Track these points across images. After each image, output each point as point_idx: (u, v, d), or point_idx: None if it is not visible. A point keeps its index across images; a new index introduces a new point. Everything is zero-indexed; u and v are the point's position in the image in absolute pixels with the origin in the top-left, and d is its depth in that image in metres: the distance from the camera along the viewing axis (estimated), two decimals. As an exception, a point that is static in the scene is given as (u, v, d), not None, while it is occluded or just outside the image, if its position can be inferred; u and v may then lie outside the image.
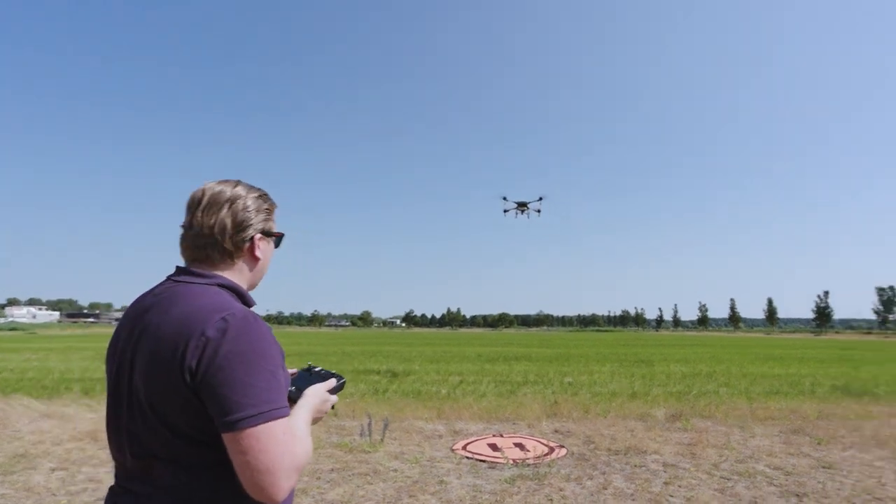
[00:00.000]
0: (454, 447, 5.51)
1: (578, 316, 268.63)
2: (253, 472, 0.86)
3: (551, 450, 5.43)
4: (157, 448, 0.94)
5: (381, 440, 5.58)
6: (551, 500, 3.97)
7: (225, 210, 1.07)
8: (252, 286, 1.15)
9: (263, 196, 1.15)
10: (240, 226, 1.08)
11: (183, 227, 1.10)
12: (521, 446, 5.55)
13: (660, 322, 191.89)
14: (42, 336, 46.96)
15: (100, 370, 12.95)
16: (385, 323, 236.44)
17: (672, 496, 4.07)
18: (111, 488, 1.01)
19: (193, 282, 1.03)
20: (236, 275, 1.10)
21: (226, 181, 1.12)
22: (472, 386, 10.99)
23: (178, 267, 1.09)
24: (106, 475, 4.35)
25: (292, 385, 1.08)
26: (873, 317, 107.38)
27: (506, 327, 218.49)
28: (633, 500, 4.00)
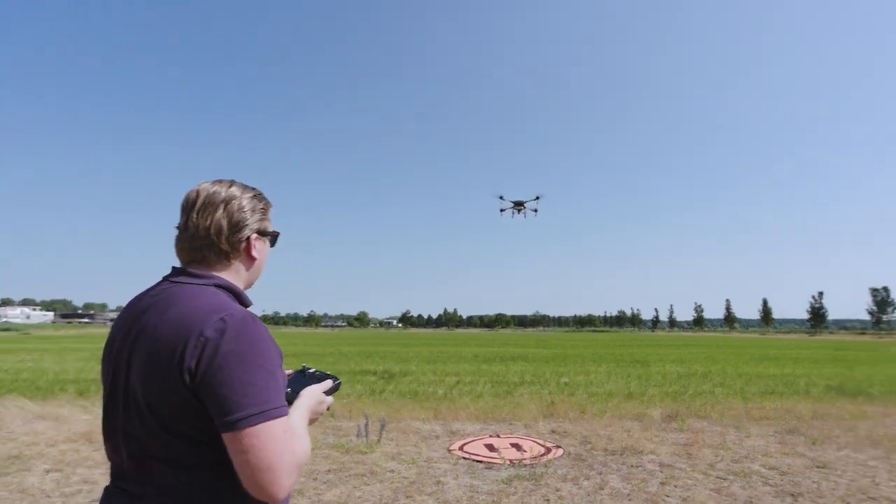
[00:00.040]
0: (451, 448, 5.51)
1: (575, 316, 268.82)
2: (254, 470, 0.86)
3: (548, 450, 5.43)
4: (155, 449, 0.93)
5: (378, 441, 5.57)
6: (548, 500, 3.98)
7: (220, 211, 1.07)
8: (248, 285, 1.15)
9: (258, 195, 1.15)
10: (236, 226, 1.08)
11: (178, 228, 1.10)
12: (517, 447, 5.55)
13: (656, 322, 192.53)
14: (36, 337, 46.65)
15: (94, 371, 12.88)
16: (381, 323, 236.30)
17: (668, 496, 4.08)
18: (106, 489, 1.01)
19: (190, 282, 1.03)
20: (233, 275, 1.10)
21: (220, 181, 1.12)
22: (469, 386, 10.99)
23: (174, 268, 1.09)
24: (101, 477, 4.33)
25: (288, 387, 1.08)
26: (867, 317, 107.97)
27: (502, 328, 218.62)
28: (630, 500, 4.01)
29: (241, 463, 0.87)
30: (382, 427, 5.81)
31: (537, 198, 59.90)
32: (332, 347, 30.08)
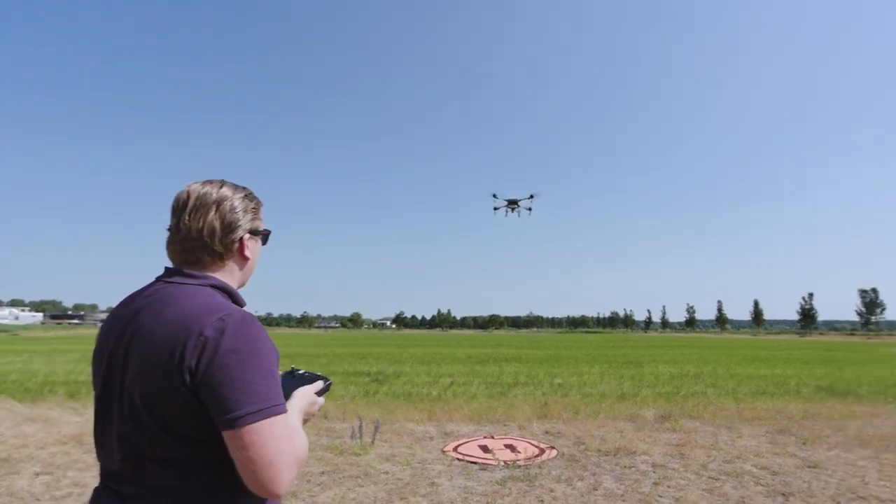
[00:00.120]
0: (445, 449, 5.50)
1: (568, 317, 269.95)
2: (256, 466, 0.87)
3: (542, 451, 5.44)
4: (151, 449, 0.93)
5: (372, 442, 5.56)
6: (542, 501, 3.99)
7: (213, 212, 1.06)
8: (242, 284, 1.16)
9: (249, 195, 1.15)
10: (228, 227, 1.08)
11: (169, 230, 1.09)
12: (511, 448, 5.56)
13: (648, 323, 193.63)
14: (25, 338, 46.04)
15: (85, 373, 12.74)
16: (375, 324, 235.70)
17: (661, 496, 4.10)
18: (96, 489, 1.01)
19: (185, 283, 1.03)
20: (227, 275, 1.10)
21: (210, 182, 1.11)
22: (463, 387, 10.99)
23: (167, 268, 1.08)
24: (92, 479, 4.28)
25: None
26: (856, 318, 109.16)
27: (496, 329, 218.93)
28: (623, 500, 4.03)
29: (243, 460, 0.88)
30: (376, 429, 5.80)
31: (531, 196, 59.56)
32: (325, 349, 29.96)
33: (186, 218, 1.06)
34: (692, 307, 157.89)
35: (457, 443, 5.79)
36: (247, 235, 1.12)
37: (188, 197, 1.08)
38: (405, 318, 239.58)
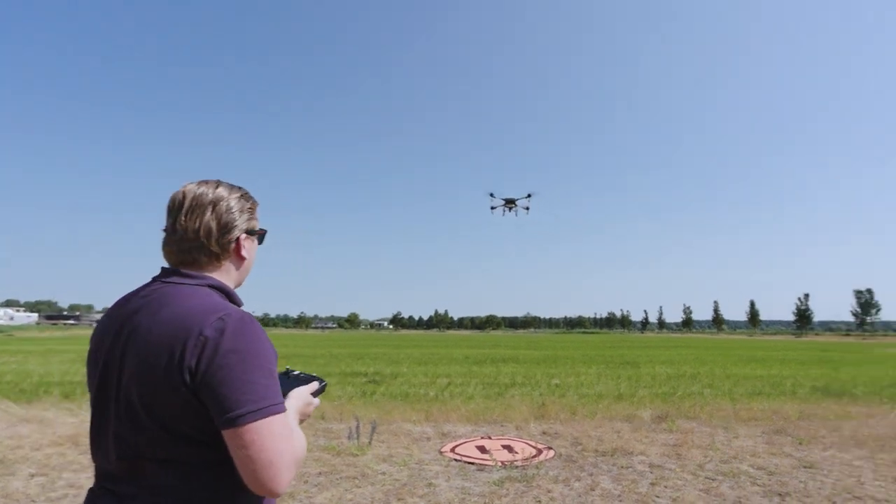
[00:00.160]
0: (442, 449, 5.50)
1: (565, 318, 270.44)
2: (256, 465, 0.88)
3: (539, 451, 5.45)
4: (149, 450, 0.93)
5: (369, 443, 5.55)
6: (539, 501, 3.99)
7: (209, 213, 1.06)
8: (238, 284, 1.16)
9: (245, 195, 1.15)
10: (225, 228, 1.08)
11: (165, 230, 1.09)
12: (509, 448, 5.56)
13: (645, 324, 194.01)
14: (20, 338, 45.77)
15: (80, 373, 12.68)
16: (372, 325, 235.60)
17: (658, 497, 4.11)
18: (91, 490, 1.00)
19: (183, 283, 1.03)
20: (224, 275, 1.10)
21: (206, 182, 1.11)
22: (460, 388, 10.99)
23: (164, 268, 1.08)
24: (87, 481, 4.26)
25: None
26: (852, 319, 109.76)
27: (493, 329, 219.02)
28: (621, 500, 4.03)
29: (242, 459, 0.88)
30: (373, 429, 5.79)
31: (529, 196, 59.26)
32: (322, 349, 29.90)
33: (183, 218, 1.06)
34: (689, 308, 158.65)
35: (454, 443, 5.78)
36: (243, 235, 1.12)
37: (184, 197, 1.07)
38: (402, 318, 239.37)
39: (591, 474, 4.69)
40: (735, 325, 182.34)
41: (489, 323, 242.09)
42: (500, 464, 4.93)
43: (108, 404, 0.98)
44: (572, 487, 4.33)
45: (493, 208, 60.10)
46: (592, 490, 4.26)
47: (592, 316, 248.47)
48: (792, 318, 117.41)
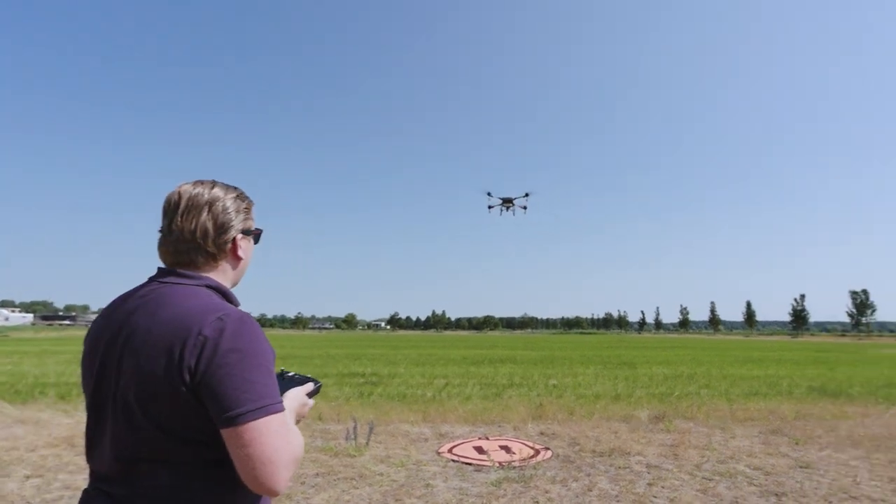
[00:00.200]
0: (440, 450, 5.49)
1: (562, 318, 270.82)
2: (255, 463, 0.88)
3: (537, 452, 5.45)
4: (147, 450, 0.93)
5: (367, 444, 5.54)
6: (537, 502, 3.99)
7: (205, 214, 1.06)
8: (234, 284, 1.16)
9: (241, 195, 1.15)
10: (221, 228, 1.08)
11: (161, 231, 1.08)
12: (506, 449, 5.56)
13: (642, 325, 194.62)
14: (15, 339, 45.57)
15: (76, 374, 12.62)
16: (370, 325, 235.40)
17: (656, 497, 4.12)
18: (85, 491, 1.00)
19: (181, 283, 1.03)
20: (220, 275, 1.10)
21: (201, 182, 1.11)
22: (458, 388, 10.99)
23: (160, 268, 1.08)
24: (83, 482, 4.22)
25: None
26: (847, 319, 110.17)
27: (490, 330, 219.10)
28: (618, 501, 4.04)
29: (242, 457, 0.88)
30: (371, 430, 5.78)
31: (526, 195, 58.87)
32: (319, 350, 29.85)
33: (178, 219, 1.05)
34: (685, 308, 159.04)
35: (452, 444, 5.78)
36: (239, 235, 1.12)
37: (179, 198, 1.07)
38: (400, 319, 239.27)
39: (588, 475, 4.69)
40: (731, 326, 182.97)
41: (487, 323, 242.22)
42: (497, 464, 4.93)
43: (105, 405, 0.97)
44: (570, 488, 4.33)
45: (490, 207, 59.75)
46: (590, 490, 4.26)
47: (590, 316, 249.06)
48: (788, 318, 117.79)
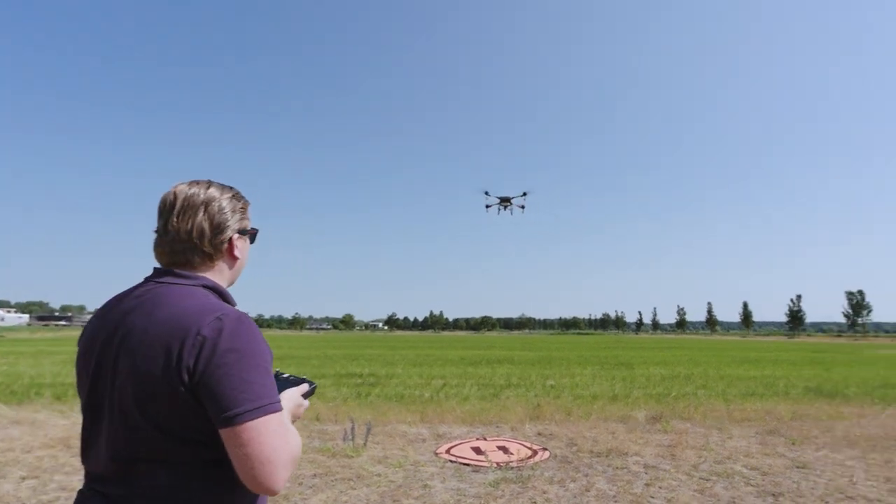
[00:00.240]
0: (438, 451, 5.49)
1: (560, 319, 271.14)
2: (254, 463, 0.88)
3: (534, 452, 5.45)
4: (143, 450, 0.93)
5: (364, 444, 5.53)
6: (535, 502, 3.99)
7: (201, 214, 1.06)
8: (231, 283, 1.16)
9: (237, 195, 1.15)
10: (217, 228, 1.08)
11: (157, 231, 1.08)
12: (504, 449, 5.56)
13: (639, 325, 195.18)
14: (11, 339, 45.29)
15: (72, 375, 12.55)
16: (367, 326, 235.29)
17: (653, 497, 4.12)
18: (80, 492, 1.00)
19: (177, 283, 1.02)
20: (217, 275, 1.10)
21: (196, 182, 1.11)
22: (456, 389, 10.98)
23: (157, 268, 1.07)
24: (79, 483, 4.18)
25: None
26: (843, 320, 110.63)
27: (488, 330, 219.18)
28: (616, 501, 4.04)
29: (241, 457, 0.88)
30: (368, 431, 5.78)
31: (524, 194, 58.57)
32: (317, 350, 29.79)
33: (174, 220, 1.05)
34: (682, 309, 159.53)
35: (449, 445, 5.78)
36: (236, 235, 1.12)
37: (175, 198, 1.07)
38: (397, 319, 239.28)
39: (586, 475, 4.69)
40: (728, 327, 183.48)
41: (484, 324, 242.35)
42: (495, 465, 4.93)
43: (101, 406, 0.97)
44: (567, 488, 4.33)
45: (487, 207, 59.60)
46: (587, 491, 4.26)
47: (587, 317, 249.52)
48: (784, 319, 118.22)
